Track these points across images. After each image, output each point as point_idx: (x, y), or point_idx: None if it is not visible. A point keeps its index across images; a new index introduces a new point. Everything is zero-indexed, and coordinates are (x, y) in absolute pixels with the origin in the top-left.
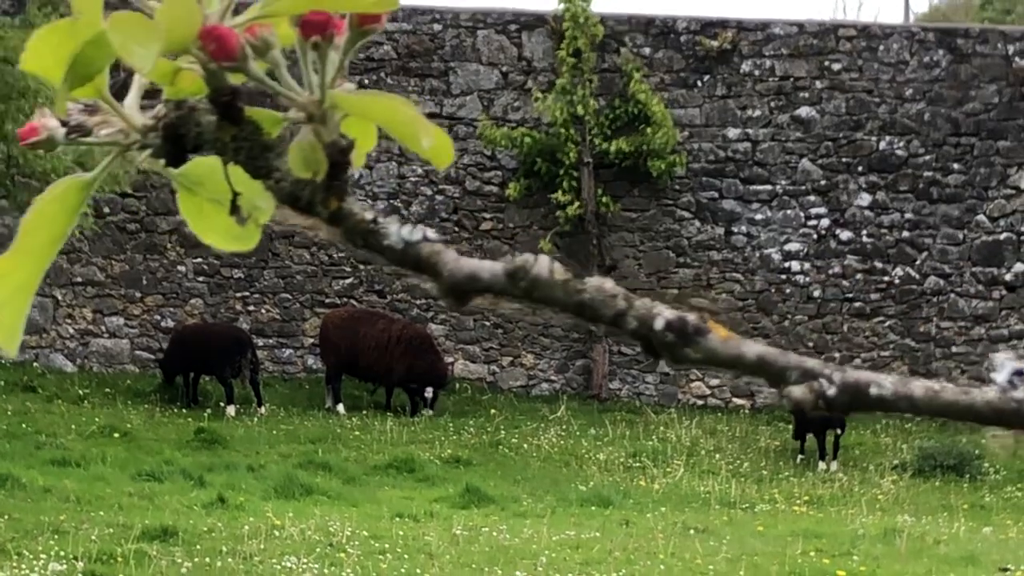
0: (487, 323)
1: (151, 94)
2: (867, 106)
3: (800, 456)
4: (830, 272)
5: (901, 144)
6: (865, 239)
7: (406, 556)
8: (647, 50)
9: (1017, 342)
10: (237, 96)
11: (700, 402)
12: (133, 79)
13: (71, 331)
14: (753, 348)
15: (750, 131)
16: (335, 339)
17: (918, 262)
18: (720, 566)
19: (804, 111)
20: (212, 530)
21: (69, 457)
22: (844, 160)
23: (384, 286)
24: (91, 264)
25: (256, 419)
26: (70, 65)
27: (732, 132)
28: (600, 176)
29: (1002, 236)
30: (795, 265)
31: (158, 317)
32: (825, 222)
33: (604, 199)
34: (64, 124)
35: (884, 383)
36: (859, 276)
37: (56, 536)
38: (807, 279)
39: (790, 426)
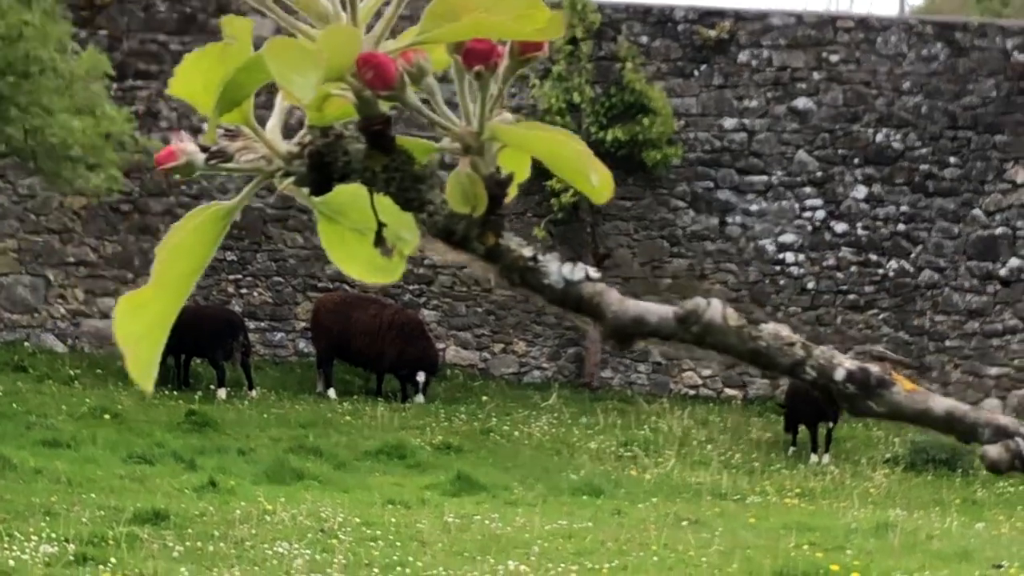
0: (479, 309)
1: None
2: (864, 98)
3: (792, 448)
4: (824, 264)
5: (898, 137)
6: (860, 232)
7: (398, 543)
8: (644, 38)
9: (1011, 337)
10: (389, 125)
11: (692, 392)
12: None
13: (62, 311)
14: (941, 403)
15: (746, 121)
16: (327, 323)
17: (913, 255)
18: (713, 558)
19: (801, 102)
20: (203, 514)
21: (60, 438)
22: (840, 152)
23: None
24: (84, 244)
25: (247, 402)
26: (222, 91)
27: (728, 122)
28: None
29: (997, 231)
30: (789, 256)
31: None
32: (820, 214)
33: None
34: (203, 149)
35: None
36: (853, 268)
37: (48, 518)
38: (801, 271)
39: (782, 418)
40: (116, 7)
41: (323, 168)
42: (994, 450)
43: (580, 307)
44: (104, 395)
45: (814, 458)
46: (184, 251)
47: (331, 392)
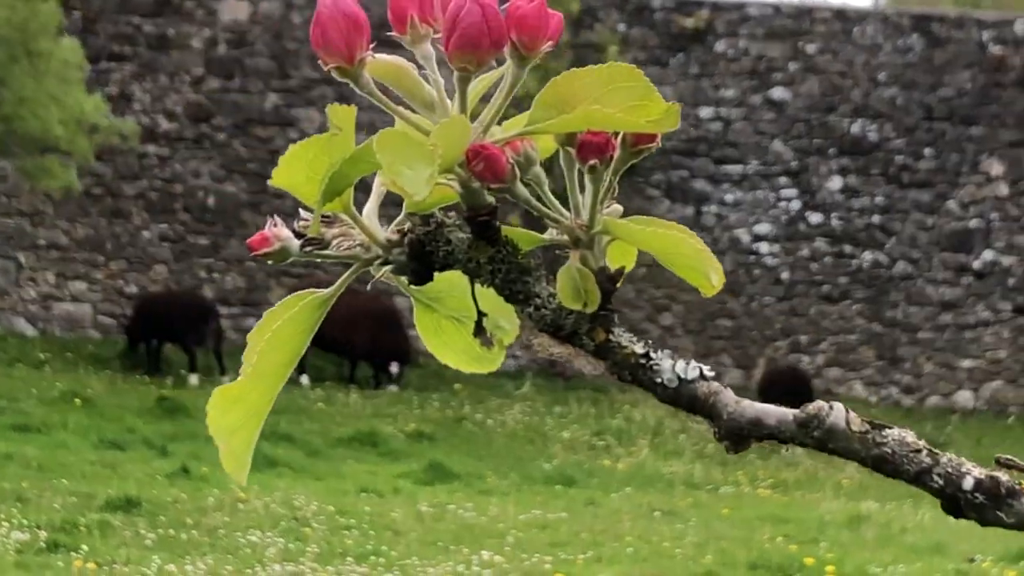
0: None
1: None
2: (840, 89)
3: None
4: (799, 255)
5: (873, 128)
6: (835, 222)
7: (372, 532)
8: (622, 27)
9: (983, 329)
10: (495, 215)
11: None
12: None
13: (33, 294)
14: None
15: (723, 111)
16: None
17: (887, 247)
18: (687, 550)
19: (777, 92)
20: (176, 501)
21: (30, 423)
22: (816, 143)
23: None
24: (55, 227)
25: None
26: (328, 182)
27: (705, 112)
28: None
29: (971, 223)
30: (764, 247)
31: (121, 282)
32: (795, 204)
33: None
34: (298, 235)
35: None
36: (828, 259)
37: (19, 504)
38: (776, 261)
39: None
40: None
41: (424, 257)
42: None
43: (694, 407)
44: (74, 379)
45: (787, 449)
46: (280, 342)
47: (304, 379)
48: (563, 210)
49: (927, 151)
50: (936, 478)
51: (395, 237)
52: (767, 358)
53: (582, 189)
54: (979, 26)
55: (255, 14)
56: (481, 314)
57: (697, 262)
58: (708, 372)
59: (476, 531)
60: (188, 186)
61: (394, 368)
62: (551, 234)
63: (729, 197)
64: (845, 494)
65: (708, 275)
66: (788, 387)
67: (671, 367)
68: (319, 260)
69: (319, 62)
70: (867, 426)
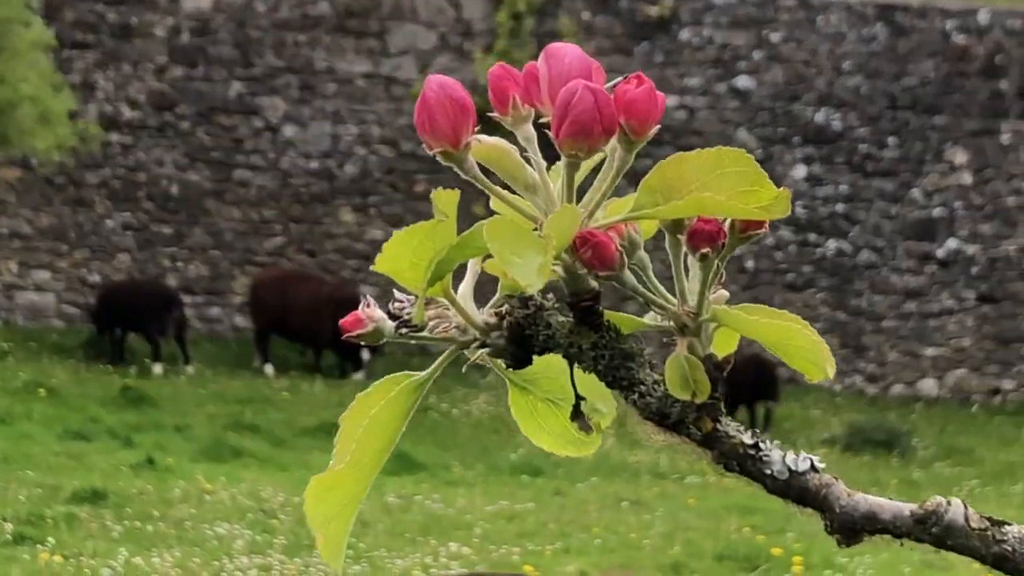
0: None
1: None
2: (805, 78)
3: None
4: (763, 243)
5: (837, 117)
6: (800, 211)
7: None
8: (586, 15)
9: (947, 318)
10: (599, 300)
11: None
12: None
13: None
14: None
15: (688, 100)
16: (265, 299)
17: (851, 235)
18: (655, 540)
19: (742, 81)
20: (142, 492)
21: None
22: (780, 131)
23: (314, 246)
24: (17, 216)
25: (183, 378)
26: (434, 269)
27: (670, 100)
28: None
29: (935, 212)
30: None
31: (85, 271)
32: None
33: None
34: (393, 317)
35: None
36: (792, 248)
37: None
38: (740, 250)
39: None
40: None
41: (523, 341)
42: None
43: (804, 499)
44: (38, 369)
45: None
46: (378, 428)
47: (268, 368)
48: (669, 296)
49: (891, 140)
50: None
51: (493, 320)
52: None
53: (686, 271)
54: (943, 15)
55: (218, 3)
56: (579, 398)
57: (813, 354)
58: (819, 464)
59: (443, 522)
60: (151, 175)
61: (366, 355)
62: (652, 318)
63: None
64: None
65: (824, 367)
66: (753, 376)
67: (781, 458)
68: (413, 341)
69: (424, 145)
70: (986, 522)
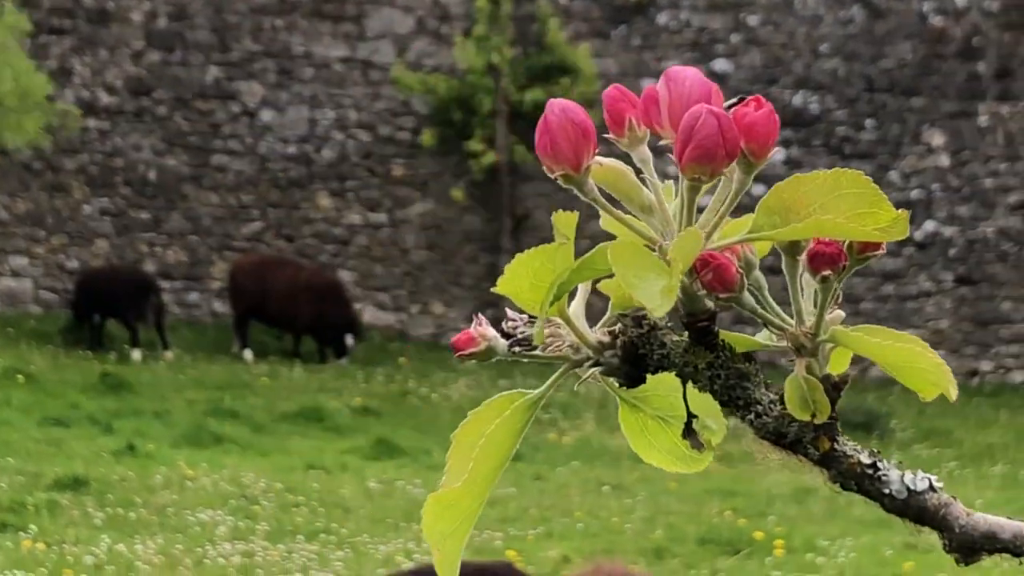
0: (396, 270)
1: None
2: (782, 61)
3: None
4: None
5: (815, 99)
6: None
7: (321, 510)
8: None
9: (925, 300)
10: (715, 320)
11: None
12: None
13: None
14: None
15: None
16: (244, 284)
17: None
18: (636, 525)
19: (720, 64)
20: (124, 479)
21: None
22: None
23: (292, 231)
24: None
25: (162, 363)
26: (556, 291)
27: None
28: (515, 125)
29: (913, 194)
30: None
31: (63, 257)
32: None
33: (518, 148)
34: (505, 335)
35: None
36: None
37: None
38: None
39: None
40: None
41: (637, 360)
42: None
43: (922, 519)
44: (16, 355)
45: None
46: (493, 447)
47: (247, 353)
48: (786, 317)
49: (868, 122)
50: None
51: (606, 339)
52: None
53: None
54: None
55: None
56: (691, 416)
57: (936, 377)
58: (937, 483)
59: None
60: (129, 160)
61: (349, 340)
62: (765, 337)
63: (672, 168)
64: (789, 467)
65: (947, 389)
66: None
67: (899, 478)
68: (526, 359)
69: (545, 168)
70: None
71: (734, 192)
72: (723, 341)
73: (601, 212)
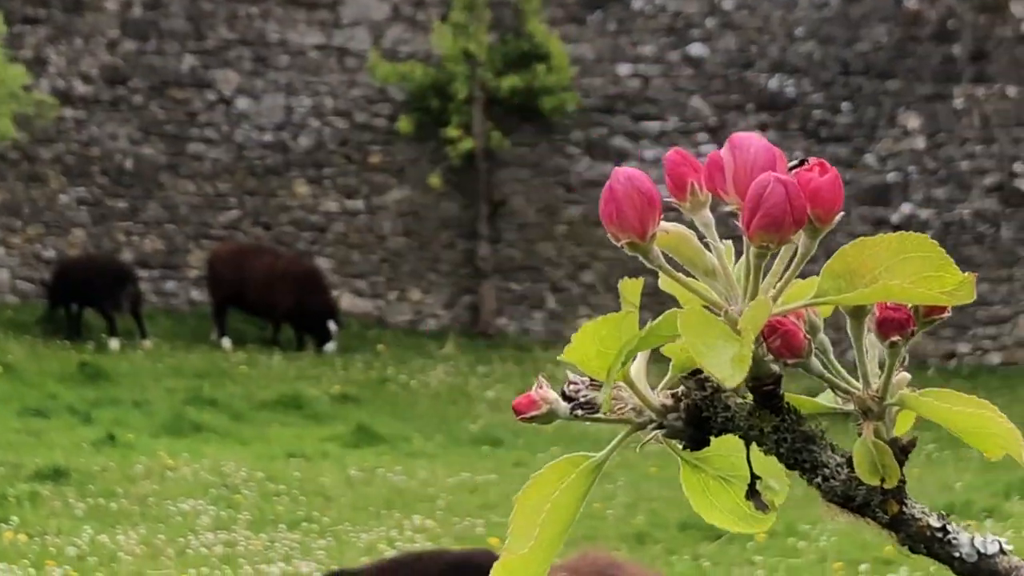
0: (373, 257)
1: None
2: (758, 44)
3: None
4: (720, 210)
5: (791, 83)
6: None
7: (302, 498)
8: None
9: None
10: (780, 384)
11: None
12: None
13: None
14: None
15: (641, 68)
16: (222, 273)
17: None
18: (618, 511)
19: (695, 49)
20: (104, 469)
21: None
22: (734, 98)
23: (269, 218)
24: None
25: (140, 352)
26: (624, 359)
27: (623, 69)
28: (491, 111)
29: (889, 177)
30: None
31: (39, 247)
32: None
33: (495, 135)
34: (568, 399)
35: None
36: None
37: None
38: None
39: None
40: None
41: (701, 423)
42: None
43: None
44: None
45: None
46: (558, 512)
47: (225, 341)
48: (852, 380)
49: (844, 105)
50: None
51: (669, 402)
52: None
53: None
54: None
55: None
56: (755, 477)
57: (1007, 442)
58: (1007, 546)
59: (406, 495)
60: (105, 149)
61: (332, 327)
62: (829, 399)
63: (649, 154)
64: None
65: (1019, 453)
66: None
67: (969, 541)
68: (588, 422)
69: (609, 236)
70: None
71: (800, 257)
72: (788, 404)
73: (660, 274)
